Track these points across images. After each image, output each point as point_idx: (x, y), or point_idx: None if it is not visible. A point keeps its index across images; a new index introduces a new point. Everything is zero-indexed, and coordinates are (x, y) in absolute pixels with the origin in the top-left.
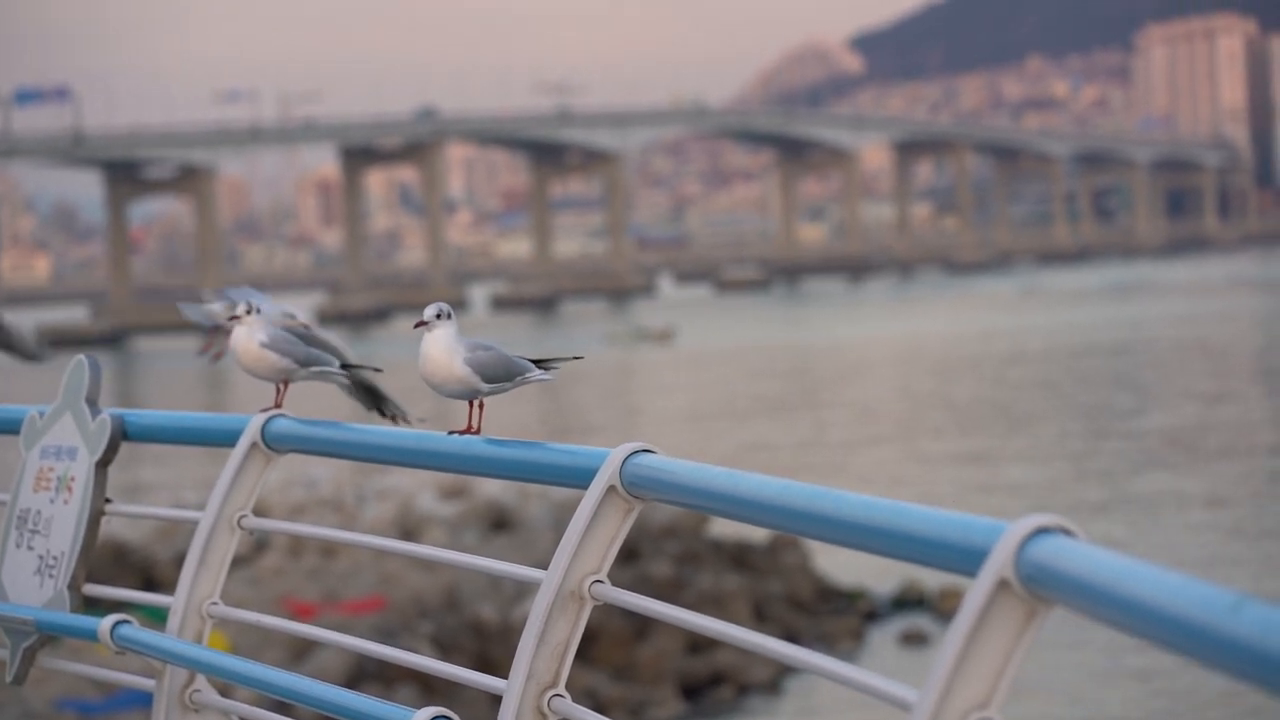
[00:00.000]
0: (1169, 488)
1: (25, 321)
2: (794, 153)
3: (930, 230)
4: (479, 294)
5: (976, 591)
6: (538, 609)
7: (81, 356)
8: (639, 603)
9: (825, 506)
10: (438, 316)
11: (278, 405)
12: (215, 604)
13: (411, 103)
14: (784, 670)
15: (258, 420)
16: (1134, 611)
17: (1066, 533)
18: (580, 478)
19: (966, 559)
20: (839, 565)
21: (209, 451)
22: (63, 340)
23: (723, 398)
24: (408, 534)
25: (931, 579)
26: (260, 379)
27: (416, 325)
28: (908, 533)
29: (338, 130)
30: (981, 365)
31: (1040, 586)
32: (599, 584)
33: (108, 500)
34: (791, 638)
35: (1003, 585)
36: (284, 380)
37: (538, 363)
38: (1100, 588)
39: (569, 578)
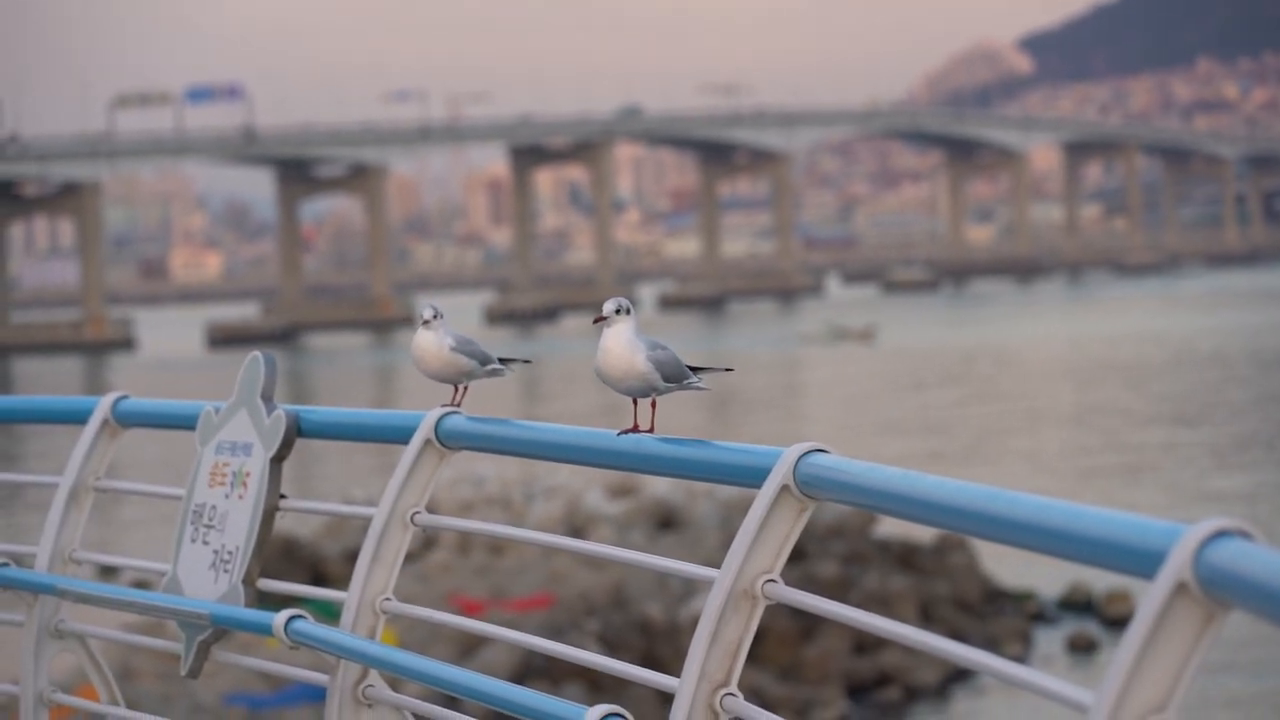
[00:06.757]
0: None
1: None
2: (963, 153)
3: (1099, 232)
4: (647, 293)
5: (1154, 594)
6: (710, 607)
7: (257, 353)
8: (812, 602)
9: (1001, 508)
10: (617, 311)
11: (457, 404)
12: (388, 600)
13: (577, 104)
14: (951, 672)
15: (431, 417)
16: None
17: (1245, 536)
18: (753, 477)
19: (1144, 561)
20: (1005, 566)
21: (371, 447)
22: (234, 337)
23: (899, 396)
24: (575, 532)
25: (1098, 581)
26: (444, 382)
27: (596, 320)
28: (1085, 535)
29: (507, 129)
30: (1151, 367)
31: (1219, 590)
32: (772, 583)
33: (282, 496)
34: (958, 639)
35: (1181, 588)
36: (466, 381)
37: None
38: None
39: (742, 577)
